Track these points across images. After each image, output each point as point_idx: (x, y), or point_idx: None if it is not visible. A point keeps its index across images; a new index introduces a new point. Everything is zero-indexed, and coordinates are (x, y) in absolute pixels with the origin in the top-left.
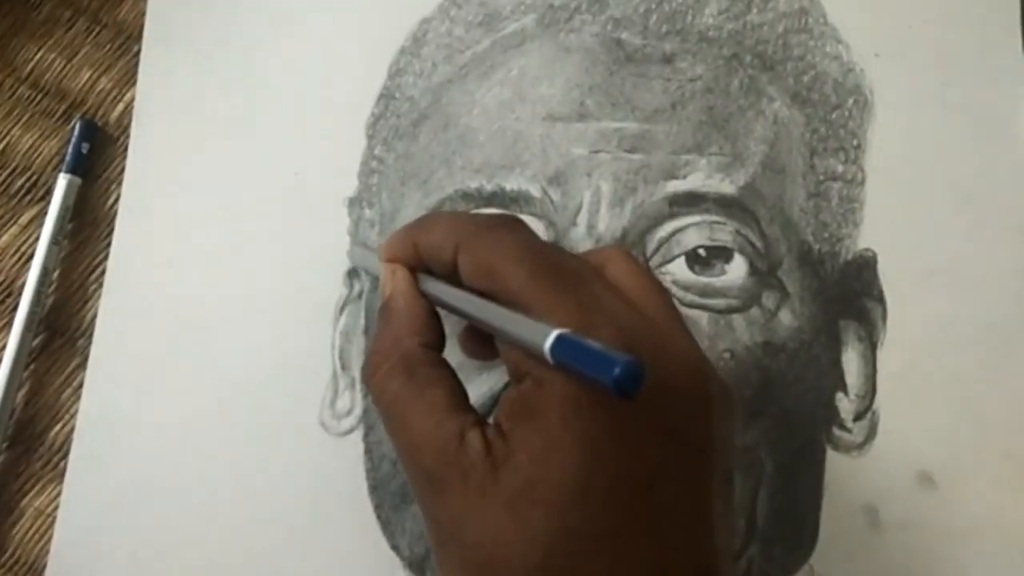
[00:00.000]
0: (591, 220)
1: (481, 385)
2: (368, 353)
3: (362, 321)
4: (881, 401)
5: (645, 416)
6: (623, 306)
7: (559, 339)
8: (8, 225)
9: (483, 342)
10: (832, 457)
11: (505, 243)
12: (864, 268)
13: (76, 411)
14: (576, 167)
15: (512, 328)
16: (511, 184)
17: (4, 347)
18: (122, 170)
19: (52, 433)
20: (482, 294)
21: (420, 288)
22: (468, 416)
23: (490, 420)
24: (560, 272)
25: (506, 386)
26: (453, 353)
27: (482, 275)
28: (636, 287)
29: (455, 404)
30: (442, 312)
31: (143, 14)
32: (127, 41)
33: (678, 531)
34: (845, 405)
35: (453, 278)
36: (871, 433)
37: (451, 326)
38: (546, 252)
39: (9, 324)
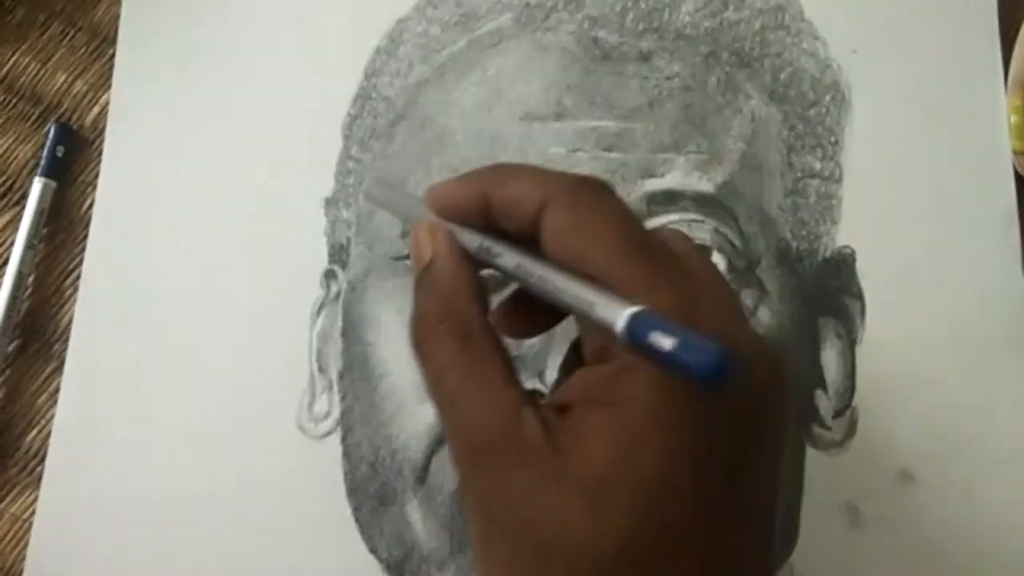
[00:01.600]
0: None
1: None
2: (415, 316)
3: (339, 323)
4: (860, 398)
5: (731, 412)
6: (716, 301)
7: (638, 317)
8: None
9: (525, 319)
10: (811, 455)
11: (605, 208)
12: (842, 265)
13: (52, 416)
14: (554, 166)
15: (583, 299)
16: None
17: None
18: (98, 173)
19: (28, 438)
20: (558, 264)
21: (469, 251)
22: (521, 390)
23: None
24: (660, 254)
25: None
26: None
27: (574, 240)
28: (706, 276)
29: (510, 377)
30: None
31: (118, 17)
32: (102, 44)
33: (749, 540)
34: (824, 403)
35: (524, 239)
36: (850, 431)
37: None
38: (644, 230)
39: None
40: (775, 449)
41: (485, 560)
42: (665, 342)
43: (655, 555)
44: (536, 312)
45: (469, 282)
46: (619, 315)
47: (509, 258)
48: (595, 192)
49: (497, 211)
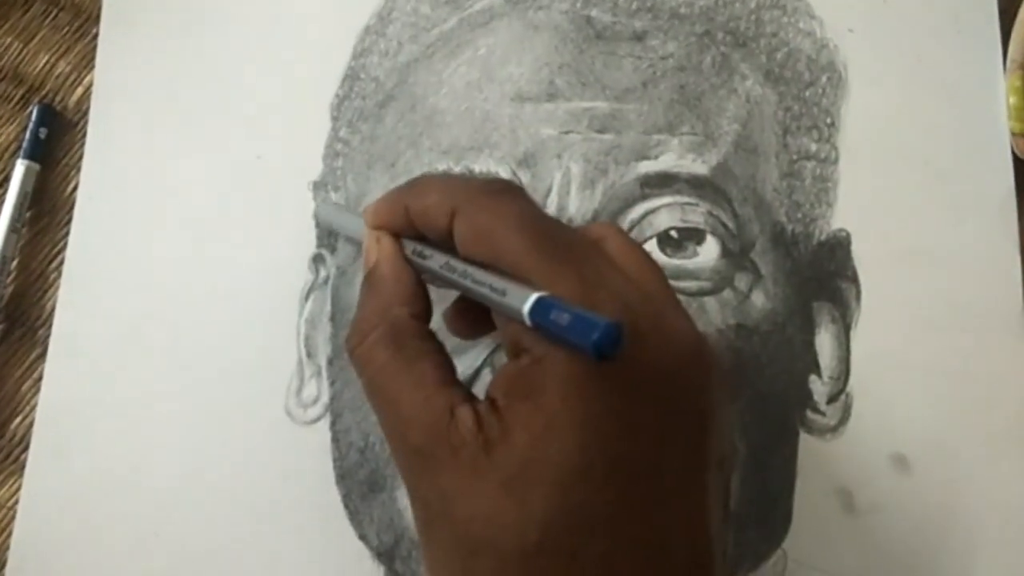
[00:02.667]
0: (561, 202)
1: (463, 361)
2: (353, 322)
3: (328, 308)
4: (855, 383)
5: (647, 397)
6: (624, 283)
7: (539, 301)
8: None
9: (471, 320)
10: (806, 440)
11: (506, 210)
12: (838, 248)
13: (36, 403)
14: (546, 148)
15: (495, 291)
16: (480, 166)
17: None
18: (82, 156)
19: (12, 425)
20: (476, 264)
21: (406, 256)
22: (458, 391)
23: (479, 396)
24: (562, 244)
25: (484, 362)
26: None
27: (480, 243)
28: (633, 265)
29: (444, 378)
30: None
31: None
32: (85, 23)
33: (675, 514)
34: (819, 388)
35: (445, 245)
36: (845, 416)
37: (436, 302)
38: (548, 223)
39: None
40: (701, 424)
41: (427, 554)
42: (562, 319)
43: (575, 540)
44: (480, 314)
45: (406, 289)
46: (525, 300)
47: (437, 259)
48: (498, 196)
49: (417, 223)
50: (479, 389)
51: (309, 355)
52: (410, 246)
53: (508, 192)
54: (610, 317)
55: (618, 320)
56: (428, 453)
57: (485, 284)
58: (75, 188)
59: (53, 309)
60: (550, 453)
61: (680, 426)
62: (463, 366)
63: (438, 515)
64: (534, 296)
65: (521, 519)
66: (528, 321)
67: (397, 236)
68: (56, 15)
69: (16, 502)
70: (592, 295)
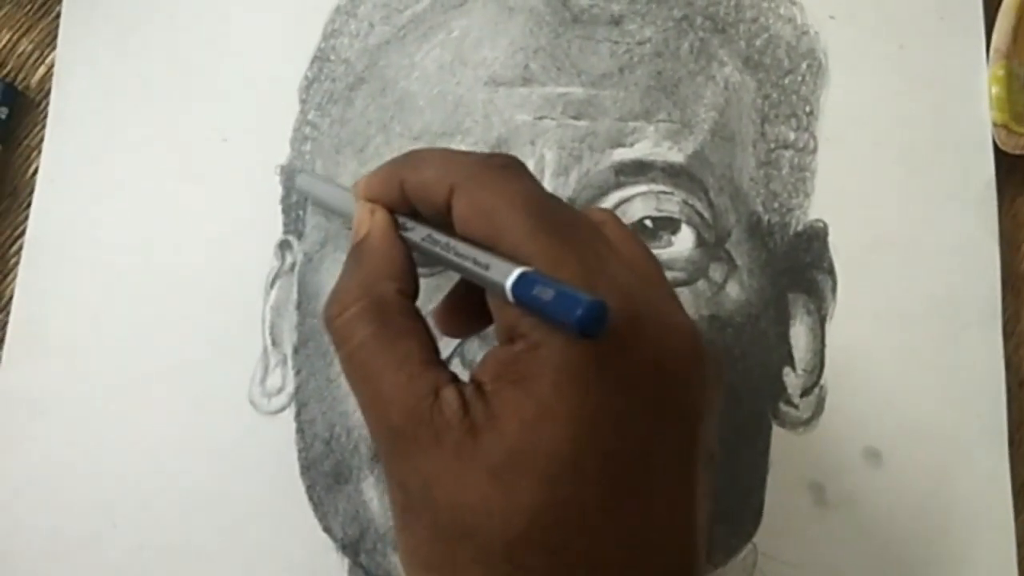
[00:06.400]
0: None
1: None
2: (333, 292)
3: (294, 295)
4: (829, 376)
5: (642, 390)
6: (625, 271)
7: (522, 276)
8: None
9: (461, 317)
10: (778, 433)
11: (509, 188)
12: (814, 239)
13: None
14: (519, 134)
15: (479, 265)
16: None
17: None
18: (43, 137)
19: None
20: (469, 241)
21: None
22: (443, 372)
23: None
24: (565, 226)
25: (454, 352)
26: None
27: (480, 222)
28: (632, 252)
29: (430, 358)
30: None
31: None
32: (48, 2)
33: (663, 510)
34: (792, 380)
35: (441, 222)
36: (818, 409)
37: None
38: (551, 203)
39: None
40: (694, 419)
41: (403, 540)
42: (546, 294)
43: (562, 533)
44: (471, 310)
45: (396, 263)
46: (509, 275)
47: (419, 232)
48: (500, 173)
49: (412, 198)
50: None
51: (274, 343)
52: (403, 221)
53: (511, 168)
54: (612, 305)
55: (623, 308)
56: (409, 435)
57: (468, 257)
58: (36, 170)
59: (12, 294)
60: (541, 444)
61: (673, 421)
62: (449, 348)
63: (418, 500)
64: (517, 271)
65: (507, 509)
66: (511, 296)
67: (391, 210)
68: None
69: None
70: (594, 281)
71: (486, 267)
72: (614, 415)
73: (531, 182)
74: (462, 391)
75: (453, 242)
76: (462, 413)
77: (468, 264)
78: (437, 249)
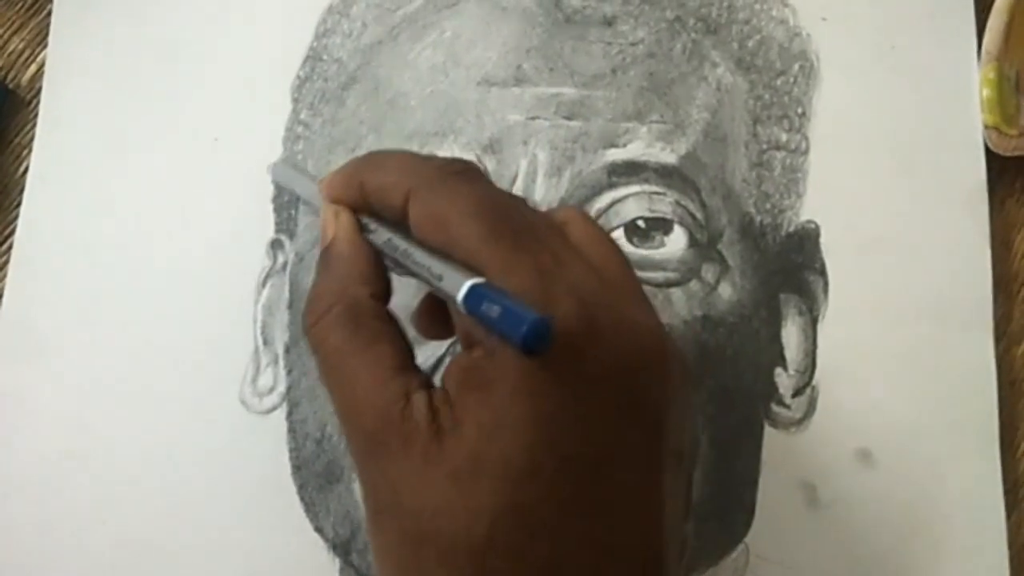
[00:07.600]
0: (527, 190)
1: (424, 351)
2: (308, 299)
3: (286, 294)
4: (821, 376)
5: (601, 393)
6: (584, 272)
7: (472, 290)
8: None
9: (440, 320)
10: (770, 434)
11: (462, 194)
12: (806, 240)
13: None
14: (512, 134)
15: (433, 276)
16: (444, 152)
17: None
18: (34, 136)
19: None
20: (430, 249)
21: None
22: (415, 377)
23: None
24: (521, 231)
25: (447, 350)
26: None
27: (435, 229)
28: (595, 252)
29: (403, 363)
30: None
31: None
32: (39, 0)
33: (627, 512)
34: (784, 380)
35: (401, 225)
36: (810, 409)
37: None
38: (506, 208)
39: None
40: (656, 420)
41: (375, 542)
42: (493, 311)
43: (523, 537)
44: (449, 312)
45: (365, 267)
46: (460, 287)
47: (380, 235)
48: (455, 179)
49: (372, 201)
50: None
51: (266, 343)
52: (368, 224)
53: (465, 174)
54: (566, 311)
55: (579, 313)
56: (380, 439)
57: (424, 266)
58: (27, 170)
59: (2, 293)
60: (499, 449)
61: (635, 423)
62: (423, 356)
63: (387, 504)
64: (467, 284)
65: (468, 513)
66: (463, 309)
67: (355, 211)
68: None
69: None
70: (548, 288)
71: (439, 277)
72: (572, 419)
73: (486, 187)
74: (432, 396)
75: (411, 249)
76: (430, 418)
77: (424, 273)
78: (396, 255)
